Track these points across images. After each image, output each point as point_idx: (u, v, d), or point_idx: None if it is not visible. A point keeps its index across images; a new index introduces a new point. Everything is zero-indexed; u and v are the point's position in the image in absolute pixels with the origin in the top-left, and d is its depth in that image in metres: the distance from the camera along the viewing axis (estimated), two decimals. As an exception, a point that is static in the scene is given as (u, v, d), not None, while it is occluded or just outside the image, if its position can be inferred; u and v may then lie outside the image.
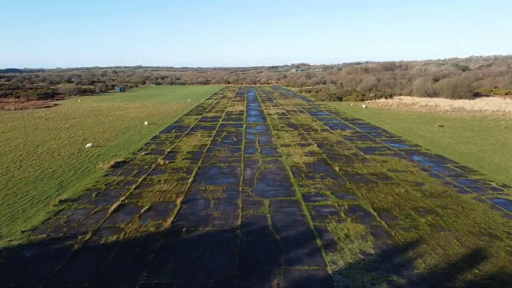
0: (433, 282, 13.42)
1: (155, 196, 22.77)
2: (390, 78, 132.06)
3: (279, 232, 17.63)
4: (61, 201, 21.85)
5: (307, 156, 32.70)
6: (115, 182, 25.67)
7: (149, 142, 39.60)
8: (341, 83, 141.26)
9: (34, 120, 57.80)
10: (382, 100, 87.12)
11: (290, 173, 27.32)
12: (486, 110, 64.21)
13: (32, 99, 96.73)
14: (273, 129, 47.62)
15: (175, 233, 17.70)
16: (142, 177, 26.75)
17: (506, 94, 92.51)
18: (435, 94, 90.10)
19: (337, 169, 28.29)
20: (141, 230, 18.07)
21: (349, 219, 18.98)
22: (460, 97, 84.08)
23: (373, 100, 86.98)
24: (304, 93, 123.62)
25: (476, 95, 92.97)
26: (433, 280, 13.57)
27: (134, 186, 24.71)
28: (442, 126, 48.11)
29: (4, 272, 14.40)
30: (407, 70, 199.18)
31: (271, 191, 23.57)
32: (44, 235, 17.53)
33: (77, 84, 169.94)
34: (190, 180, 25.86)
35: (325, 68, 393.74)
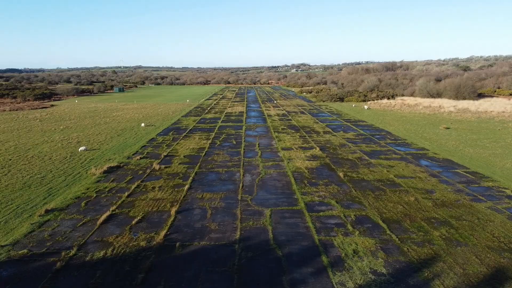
0: (454, 309, 11.99)
1: (148, 205, 21.32)
2: (391, 78, 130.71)
3: (281, 247, 16.18)
4: (47, 211, 20.41)
5: (310, 160, 31.24)
6: (107, 189, 24.21)
7: (145, 145, 38.15)
8: (342, 84, 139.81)
9: (29, 122, 56.34)
10: (385, 101, 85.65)
11: (292, 179, 25.87)
12: (491, 111, 62.75)
13: (28, 99, 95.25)
14: (274, 131, 46.18)
15: (168, 248, 16.25)
16: (136, 183, 25.30)
17: (511, 94, 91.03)
18: (438, 95, 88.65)
19: (341, 175, 26.84)
20: (131, 244, 16.62)
21: (357, 232, 17.53)
22: (464, 98, 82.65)
23: (375, 101, 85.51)
24: (304, 93, 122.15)
25: (480, 95, 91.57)
26: (454, 306, 12.14)
27: (126, 193, 23.25)
28: (448, 128, 46.65)
29: (-24, 295, 12.98)
30: (408, 70, 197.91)
31: (272, 199, 22.13)
32: (25, 251, 16.09)
33: (76, 85, 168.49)
34: (186, 187, 24.40)
35: (325, 68, 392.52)
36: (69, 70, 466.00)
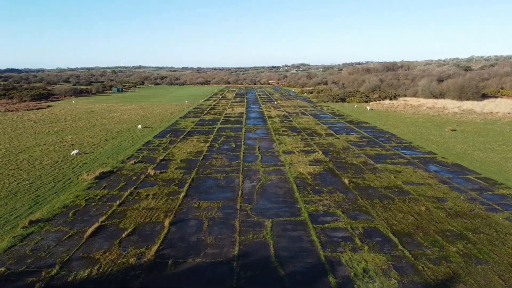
0: None
1: (140, 216, 19.89)
2: (393, 78, 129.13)
3: (283, 265, 14.74)
4: (31, 222, 18.98)
5: (312, 165, 29.80)
6: (98, 197, 22.77)
7: (141, 149, 36.70)
8: (343, 84, 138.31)
9: (23, 123, 54.90)
10: (387, 101, 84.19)
11: (294, 186, 24.43)
12: (497, 113, 61.26)
13: (25, 100, 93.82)
14: (274, 134, 44.73)
15: (160, 266, 14.81)
16: (129, 190, 23.85)
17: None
18: (441, 95, 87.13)
19: (346, 181, 25.39)
20: (119, 261, 15.18)
21: (366, 247, 16.09)
22: (468, 99, 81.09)
23: (378, 102, 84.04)
24: (305, 94, 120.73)
25: (484, 96, 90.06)
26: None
27: (118, 202, 21.82)
28: (454, 130, 45.21)
29: None
30: (409, 70, 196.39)
31: (273, 209, 20.69)
32: (3, 269, 14.65)
33: (75, 85, 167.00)
34: (182, 195, 22.95)
35: (326, 68, 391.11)
36: (69, 70, 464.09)
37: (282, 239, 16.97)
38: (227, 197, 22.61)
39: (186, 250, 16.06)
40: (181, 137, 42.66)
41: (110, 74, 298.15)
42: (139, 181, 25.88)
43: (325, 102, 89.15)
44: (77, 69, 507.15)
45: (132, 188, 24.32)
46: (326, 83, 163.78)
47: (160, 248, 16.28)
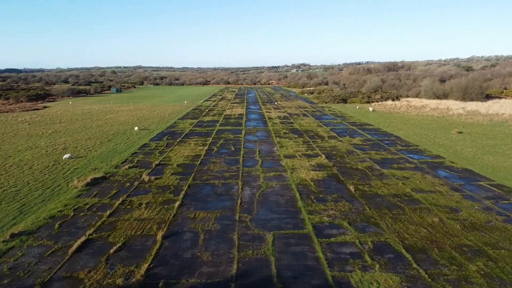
0: None
1: (131, 228, 18.45)
2: (394, 78, 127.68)
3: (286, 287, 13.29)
4: (13, 236, 17.54)
5: (315, 170, 28.35)
6: (87, 207, 21.33)
7: (136, 152, 35.26)
8: (344, 84, 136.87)
9: (16, 125, 53.45)
10: (389, 102, 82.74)
11: (297, 194, 22.98)
12: (503, 114, 59.83)
13: (21, 100, 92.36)
14: (275, 136, 43.27)
15: (149, 288, 13.37)
16: (121, 199, 22.41)
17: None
18: (444, 96, 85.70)
19: (352, 188, 23.95)
20: (105, 282, 13.74)
21: (377, 266, 14.64)
22: (471, 99, 79.67)
23: (380, 103, 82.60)
24: (306, 94, 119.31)
25: (487, 97, 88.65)
26: None
27: (108, 212, 20.37)
28: (460, 133, 43.77)
29: None
30: (410, 70, 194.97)
31: (274, 220, 19.25)
32: (-25, 291, 13.22)
33: (73, 85, 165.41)
34: (177, 203, 21.51)
35: (326, 68, 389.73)
36: (69, 70, 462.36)
37: (285, 256, 15.53)
38: (225, 206, 21.17)
39: (180, 269, 14.61)
40: (178, 140, 41.21)
41: (110, 74, 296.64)
42: (132, 188, 24.43)
43: (326, 103, 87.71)
44: (77, 69, 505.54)
45: (125, 196, 22.88)
46: (326, 84, 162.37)
47: (151, 266, 14.83)
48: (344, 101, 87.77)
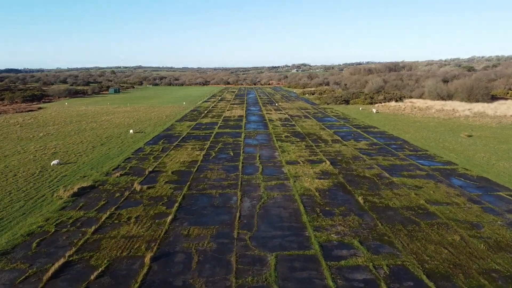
0: None
1: (117, 247, 16.51)
2: (396, 79, 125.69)
3: (292, 327, 11.36)
4: (-17, 257, 15.61)
5: (320, 178, 26.42)
6: (71, 221, 19.41)
7: (129, 157, 33.34)
8: (345, 85, 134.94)
9: (7, 127, 51.54)
10: (393, 103, 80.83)
11: (301, 206, 21.05)
12: (511, 116, 57.91)
13: (16, 101, 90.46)
14: (276, 140, 41.35)
15: (132, 326, 11.43)
16: (108, 212, 20.49)
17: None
18: (448, 97, 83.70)
19: (360, 199, 22.03)
20: (81, 319, 11.81)
21: (396, 297, 12.71)
22: (477, 100, 77.74)
23: (383, 104, 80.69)
24: (307, 95, 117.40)
25: (493, 98, 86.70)
26: None
27: (93, 227, 18.45)
28: (470, 136, 41.84)
29: None
30: (411, 70, 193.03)
31: (277, 237, 17.32)
32: None
33: (72, 85, 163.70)
34: (170, 218, 19.59)
35: (326, 68, 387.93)
36: (69, 70, 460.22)
37: (290, 284, 13.60)
38: (223, 221, 19.24)
39: (168, 301, 12.70)
40: (175, 144, 39.29)
41: (109, 75, 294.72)
42: (122, 199, 22.50)
43: (328, 104, 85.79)
44: (76, 69, 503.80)
45: (113, 209, 20.95)
46: (327, 84, 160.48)
47: (136, 297, 12.92)
48: (346, 102, 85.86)
